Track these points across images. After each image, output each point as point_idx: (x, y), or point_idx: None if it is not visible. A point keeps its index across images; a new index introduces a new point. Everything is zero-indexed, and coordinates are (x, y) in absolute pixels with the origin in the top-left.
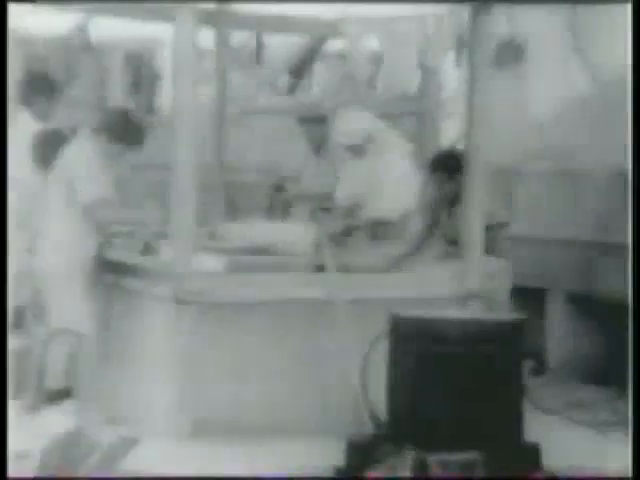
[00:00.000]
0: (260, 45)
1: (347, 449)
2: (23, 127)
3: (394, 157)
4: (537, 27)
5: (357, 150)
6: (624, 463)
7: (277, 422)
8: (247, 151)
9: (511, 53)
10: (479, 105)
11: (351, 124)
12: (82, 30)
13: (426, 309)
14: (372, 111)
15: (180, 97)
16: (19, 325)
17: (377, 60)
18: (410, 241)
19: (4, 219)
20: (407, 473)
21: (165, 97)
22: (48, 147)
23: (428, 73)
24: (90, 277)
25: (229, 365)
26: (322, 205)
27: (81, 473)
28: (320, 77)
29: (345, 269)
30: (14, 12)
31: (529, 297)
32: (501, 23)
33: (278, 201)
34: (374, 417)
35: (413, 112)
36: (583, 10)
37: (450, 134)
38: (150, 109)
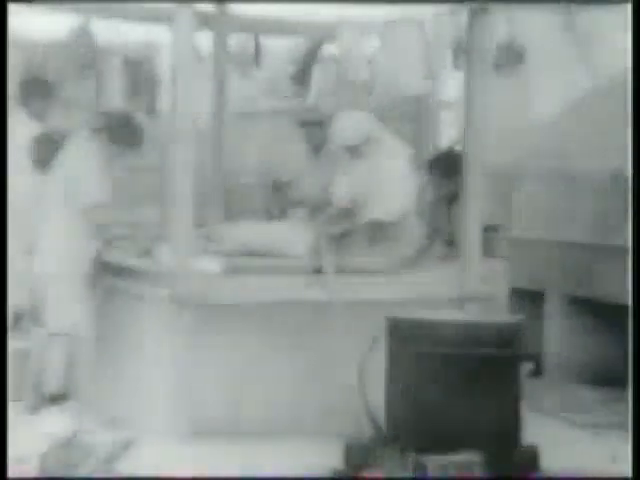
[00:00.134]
0: (259, 47)
1: (345, 450)
2: (20, 128)
3: (392, 158)
4: (537, 28)
5: (355, 151)
6: (623, 464)
7: (275, 423)
8: (245, 153)
9: (510, 55)
10: (478, 107)
11: (349, 125)
12: (85, 31)
13: (424, 311)
14: (370, 113)
15: (179, 99)
16: (18, 327)
17: (375, 62)
18: (414, 242)
19: (4, 219)
20: (406, 474)
21: (164, 99)
22: (46, 149)
23: (427, 75)
24: (88, 279)
25: (227, 366)
26: (320, 207)
27: (80, 475)
28: (319, 80)
29: (344, 271)
30: (12, 13)
31: (527, 299)
32: (500, 24)
33: (276, 203)
34: (372, 418)
35: (411, 114)
36: (583, 10)
37: (448, 136)
38: (149, 111)
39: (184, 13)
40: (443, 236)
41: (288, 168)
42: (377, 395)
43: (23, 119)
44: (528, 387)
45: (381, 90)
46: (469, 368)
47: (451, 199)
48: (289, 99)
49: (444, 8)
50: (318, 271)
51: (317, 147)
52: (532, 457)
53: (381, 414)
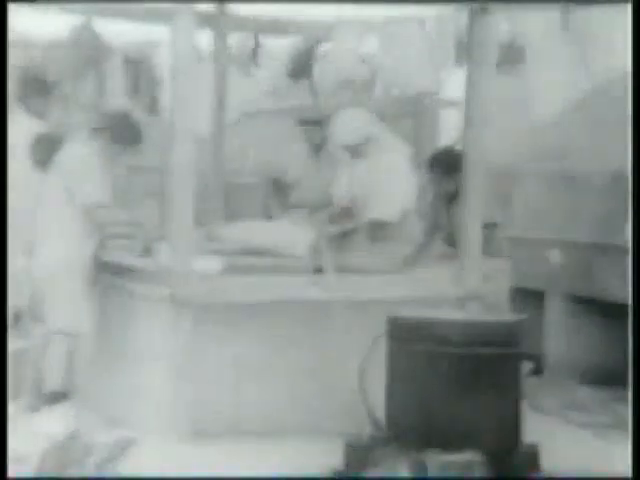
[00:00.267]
0: (258, 46)
1: (346, 450)
2: (20, 126)
3: (393, 157)
4: (537, 28)
5: (355, 150)
6: (623, 464)
7: (276, 423)
8: (245, 152)
9: (511, 54)
10: (478, 106)
11: (349, 124)
12: (89, 29)
13: (425, 310)
14: (370, 112)
15: (179, 99)
16: (17, 326)
17: (375, 61)
18: (416, 241)
19: (4, 219)
20: (406, 474)
21: (164, 99)
22: (46, 148)
23: (429, 73)
24: (88, 278)
25: (228, 366)
26: (320, 206)
27: (80, 475)
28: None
29: (344, 270)
30: (12, 13)
31: (528, 298)
32: (501, 24)
33: (276, 203)
34: (373, 418)
35: (412, 113)
36: (583, 10)
37: (449, 135)
38: (149, 111)
39: (184, 13)
40: (443, 234)
41: (288, 168)
42: (378, 394)
43: (22, 117)
44: (528, 386)
45: (383, 88)
46: (470, 367)
47: (451, 197)
48: (289, 98)
49: (446, 8)
50: (318, 271)
51: (317, 146)
52: (532, 457)
53: (382, 413)
